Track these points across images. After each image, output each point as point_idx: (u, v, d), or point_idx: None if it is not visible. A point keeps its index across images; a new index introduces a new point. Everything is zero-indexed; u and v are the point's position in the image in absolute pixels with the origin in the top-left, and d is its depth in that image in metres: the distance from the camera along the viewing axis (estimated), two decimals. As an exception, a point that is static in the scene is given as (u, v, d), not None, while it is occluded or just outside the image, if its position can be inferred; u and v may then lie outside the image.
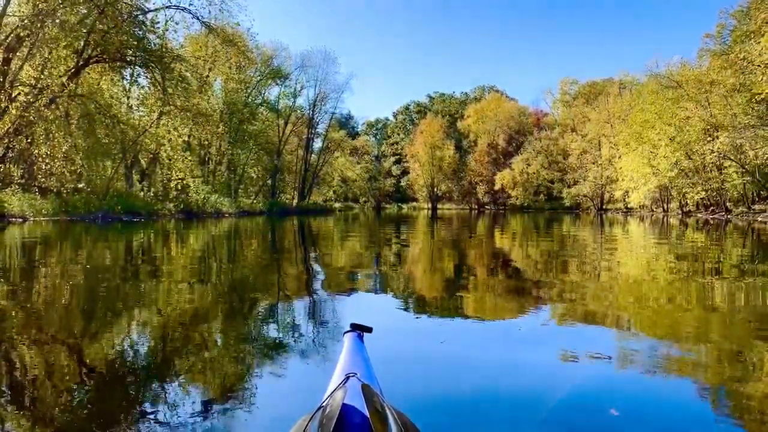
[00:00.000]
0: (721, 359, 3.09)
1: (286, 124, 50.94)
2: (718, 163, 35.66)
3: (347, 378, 1.60)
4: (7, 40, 21.37)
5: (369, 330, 2.17)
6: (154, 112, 27.20)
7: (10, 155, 22.96)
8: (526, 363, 3.02)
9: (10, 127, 21.31)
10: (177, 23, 26.96)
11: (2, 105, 20.59)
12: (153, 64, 25.19)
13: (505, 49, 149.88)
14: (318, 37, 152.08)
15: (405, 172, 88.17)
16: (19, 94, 21.64)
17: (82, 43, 22.79)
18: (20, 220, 19.68)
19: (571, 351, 3.17)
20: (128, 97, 30.50)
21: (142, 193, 29.10)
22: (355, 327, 2.14)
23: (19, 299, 4.83)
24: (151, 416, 2.24)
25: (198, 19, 27.45)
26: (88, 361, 3.03)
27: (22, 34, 21.04)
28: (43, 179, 23.18)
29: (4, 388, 2.53)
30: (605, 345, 3.33)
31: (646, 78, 42.45)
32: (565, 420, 2.21)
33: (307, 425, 1.35)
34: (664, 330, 3.90)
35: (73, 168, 24.02)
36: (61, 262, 7.83)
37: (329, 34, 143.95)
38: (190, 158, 30.56)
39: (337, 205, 69.76)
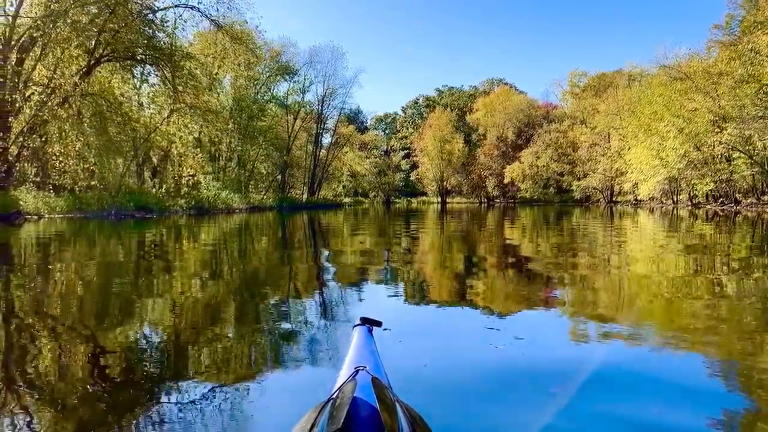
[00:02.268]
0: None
1: (295, 119, 50.99)
2: (726, 154, 35.47)
3: (357, 371, 1.61)
4: (21, 41, 21.69)
5: (378, 324, 2.18)
6: (165, 109, 27.49)
7: (25, 154, 23.32)
8: (538, 360, 3.00)
9: (24, 127, 21.67)
10: (186, 21, 27.18)
11: (17, 105, 20.91)
12: (163, 62, 25.41)
13: (514, 42, 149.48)
14: (327, 31, 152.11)
15: (414, 166, 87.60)
16: (32, 93, 21.98)
17: (93, 42, 23.01)
18: (35, 217, 20.02)
19: (578, 351, 3.19)
20: (139, 95, 30.79)
21: (153, 190, 29.45)
22: (364, 321, 2.15)
23: (44, 293, 5.03)
24: (161, 406, 2.33)
25: (207, 17, 27.68)
26: (106, 350, 3.16)
27: (35, 35, 21.34)
28: (57, 177, 23.59)
29: (23, 380, 2.64)
30: (615, 346, 3.29)
31: (655, 69, 42.20)
32: (572, 418, 2.19)
33: (317, 417, 1.37)
34: (677, 336, 3.73)
35: (85, 166, 24.37)
36: (81, 258, 8.05)
37: (338, 29, 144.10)
38: (200, 155, 30.85)
39: (346, 199, 69.75)
